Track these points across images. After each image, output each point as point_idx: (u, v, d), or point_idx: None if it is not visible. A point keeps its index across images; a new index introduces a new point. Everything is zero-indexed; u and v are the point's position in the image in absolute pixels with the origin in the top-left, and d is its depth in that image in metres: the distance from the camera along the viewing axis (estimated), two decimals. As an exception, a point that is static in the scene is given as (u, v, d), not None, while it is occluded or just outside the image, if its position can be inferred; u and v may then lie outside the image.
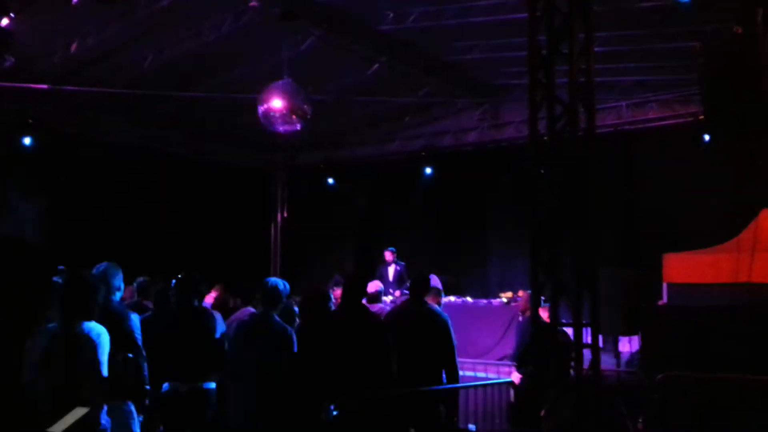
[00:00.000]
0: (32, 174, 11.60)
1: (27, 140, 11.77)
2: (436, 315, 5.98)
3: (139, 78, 11.06)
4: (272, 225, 16.74)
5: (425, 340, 5.75)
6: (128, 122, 13.13)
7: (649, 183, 12.14)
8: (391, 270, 12.62)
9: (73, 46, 10.16)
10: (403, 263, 12.64)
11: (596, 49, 6.72)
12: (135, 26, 9.68)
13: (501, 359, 10.32)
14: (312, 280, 13.74)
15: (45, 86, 10.60)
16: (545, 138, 5.48)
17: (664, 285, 9.53)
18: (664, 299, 9.36)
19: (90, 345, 4.01)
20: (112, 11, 8.80)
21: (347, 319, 5.30)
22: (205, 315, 5.77)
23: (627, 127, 12.35)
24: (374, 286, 7.76)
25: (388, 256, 12.65)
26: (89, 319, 4.08)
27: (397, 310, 6.27)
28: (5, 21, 7.81)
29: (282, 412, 5.18)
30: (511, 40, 10.35)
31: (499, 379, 7.96)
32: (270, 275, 15.85)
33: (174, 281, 5.86)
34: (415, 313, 5.88)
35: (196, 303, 5.78)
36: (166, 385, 5.50)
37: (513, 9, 9.15)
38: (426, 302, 6.11)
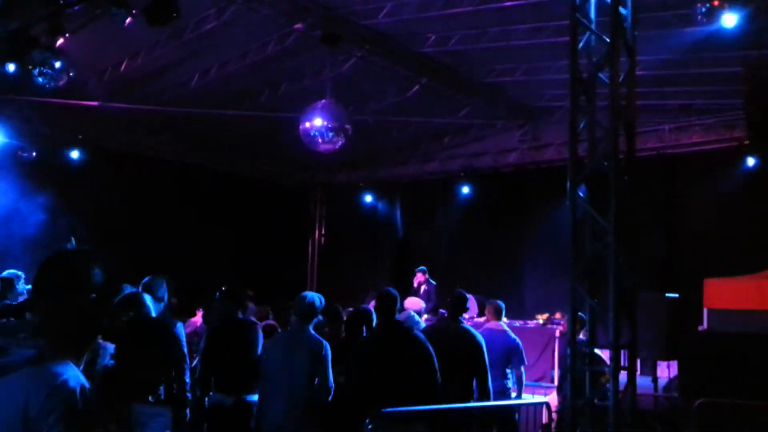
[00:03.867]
0: (80, 188, 11.94)
1: (75, 154, 12.14)
2: (471, 335, 6.01)
3: (184, 96, 11.35)
4: (310, 242, 16.93)
5: (459, 359, 5.77)
6: (173, 139, 13.46)
7: (690, 207, 12.00)
8: (422, 290, 12.65)
9: (123, 65, 10.50)
10: (434, 283, 12.65)
11: (639, 72, 6.73)
12: (182, 47, 9.97)
13: (536, 381, 10.24)
14: (348, 296, 13.82)
15: (95, 103, 10.94)
16: (585, 162, 5.50)
17: (705, 310, 9.40)
18: (705, 325, 9.24)
19: None
20: (161, 33, 9.06)
21: (388, 335, 5.34)
22: (250, 328, 5.88)
23: (669, 150, 12.24)
24: (414, 303, 7.76)
25: (420, 276, 12.69)
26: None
27: (433, 328, 6.31)
28: (60, 41, 8.11)
29: (314, 424, 5.24)
30: (553, 63, 10.41)
31: (533, 400, 7.92)
32: (307, 290, 16.08)
33: (218, 294, 6.00)
34: (450, 332, 5.91)
35: (240, 316, 5.89)
36: (211, 396, 5.60)
37: (554, 32, 9.21)
38: (461, 321, 6.16)
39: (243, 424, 5.51)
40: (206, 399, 5.71)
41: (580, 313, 5.38)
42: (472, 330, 6.18)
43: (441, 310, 12.14)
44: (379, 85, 11.74)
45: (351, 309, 5.91)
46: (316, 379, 5.33)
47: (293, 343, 5.53)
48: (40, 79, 7.99)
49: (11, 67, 8.40)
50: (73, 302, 2.12)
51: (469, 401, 5.78)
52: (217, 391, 5.61)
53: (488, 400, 5.95)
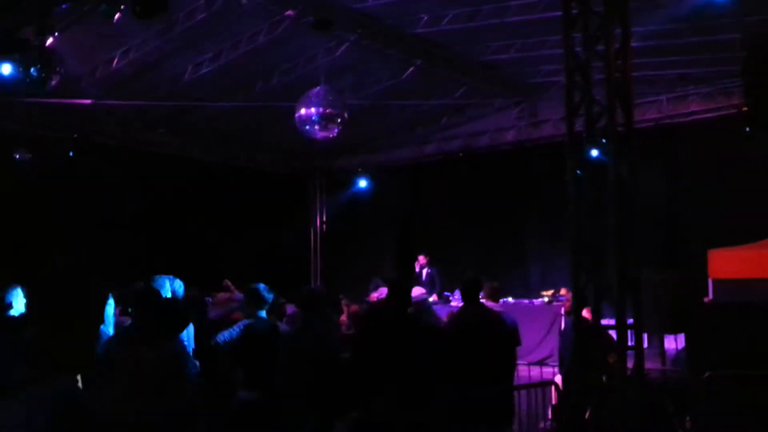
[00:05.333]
0: (77, 186, 11.89)
1: (71, 153, 12.08)
2: (501, 317, 5.96)
3: (179, 90, 11.27)
4: (311, 229, 16.89)
5: (495, 342, 5.70)
6: (169, 133, 13.39)
7: (691, 178, 11.93)
8: (424, 274, 12.66)
9: (115, 61, 10.42)
10: (434, 268, 12.65)
11: (635, 43, 6.66)
12: (174, 40, 9.88)
13: (543, 360, 10.25)
14: (352, 283, 13.82)
15: (88, 101, 10.87)
16: (583, 137, 5.45)
17: (710, 281, 9.36)
18: (710, 296, 9.20)
19: None
20: (152, 26, 8.97)
21: (399, 325, 5.28)
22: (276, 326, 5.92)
23: (668, 121, 12.15)
24: (417, 291, 7.71)
25: (421, 260, 12.69)
26: None
27: (459, 315, 6.22)
28: (50, 40, 8.03)
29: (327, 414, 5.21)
30: (547, 38, 10.32)
31: (541, 380, 7.92)
32: (310, 279, 16.09)
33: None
34: (480, 317, 5.82)
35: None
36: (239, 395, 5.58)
37: (548, 7, 9.11)
38: (484, 304, 6.10)
39: (270, 420, 5.48)
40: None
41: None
42: (499, 312, 6.14)
43: (446, 293, 12.17)
44: (374, 68, 11.65)
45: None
46: None
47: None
48: (31, 80, 7.92)
49: (4, 69, 8.34)
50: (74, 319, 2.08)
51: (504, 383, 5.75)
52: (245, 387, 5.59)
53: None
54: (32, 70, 7.76)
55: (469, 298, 5.93)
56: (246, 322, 5.84)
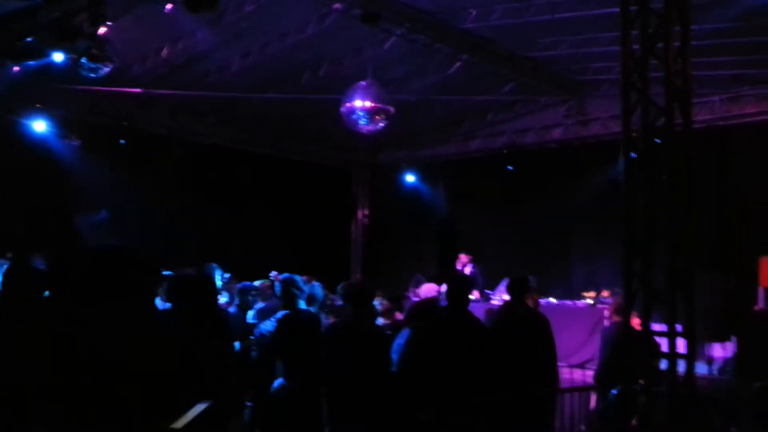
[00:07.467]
0: (125, 174, 12.07)
1: (120, 141, 12.27)
2: (541, 317, 5.86)
3: (226, 80, 11.34)
4: (353, 223, 16.91)
5: (534, 343, 5.61)
6: (217, 123, 13.52)
7: (744, 182, 11.58)
8: (467, 272, 12.55)
9: (165, 51, 10.52)
10: (477, 266, 12.55)
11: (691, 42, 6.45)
12: (222, 31, 9.94)
13: (585, 363, 10.09)
14: (392, 278, 13.79)
15: (138, 90, 11.01)
16: (635, 136, 5.31)
17: (761, 289, 9.10)
18: (760, 304, 8.95)
19: None
20: (201, 17, 9.02)
21: (457, 324, 5.16)
22: (317, 317, 5.88)
23: (721, 122, 11.81)
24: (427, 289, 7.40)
25: (463, 258, 12.59)
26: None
27: (501, 313, 6.13)
28: (102, 29, 8.14)
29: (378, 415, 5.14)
30: (599, 35, 10.12)
31: (583, 383, 7.79)
32: (351, 273, 16.11)
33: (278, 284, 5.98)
34: (520, 316, 5.73)
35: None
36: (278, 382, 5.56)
37: (600, 3, 8.92)
38: (527, 304, 6.00)
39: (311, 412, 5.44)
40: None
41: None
42: (539, 312, 6.05)
43: (486, 291, 12.06)
44: (421, 63, 11.54)
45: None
46: None
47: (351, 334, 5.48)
48: (84, 68, 8.05)
49: (56, 57, 8.50)
50: None
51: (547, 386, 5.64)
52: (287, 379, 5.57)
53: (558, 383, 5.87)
54: (84, 58, 7.87)
55: (516, 295, 5.84)
56: (283, 313, 5.81)
